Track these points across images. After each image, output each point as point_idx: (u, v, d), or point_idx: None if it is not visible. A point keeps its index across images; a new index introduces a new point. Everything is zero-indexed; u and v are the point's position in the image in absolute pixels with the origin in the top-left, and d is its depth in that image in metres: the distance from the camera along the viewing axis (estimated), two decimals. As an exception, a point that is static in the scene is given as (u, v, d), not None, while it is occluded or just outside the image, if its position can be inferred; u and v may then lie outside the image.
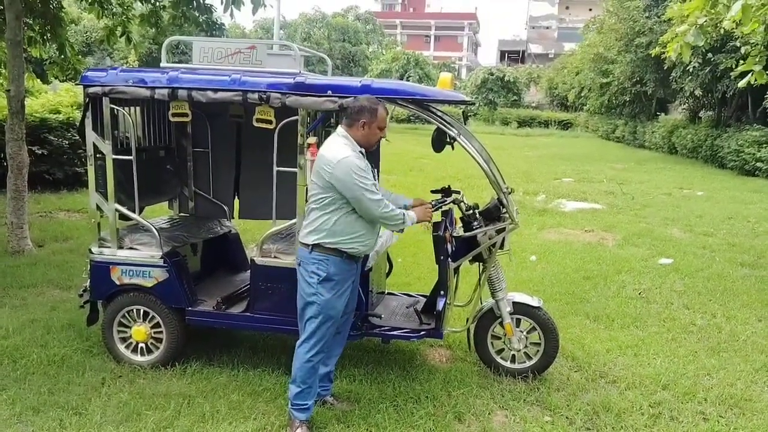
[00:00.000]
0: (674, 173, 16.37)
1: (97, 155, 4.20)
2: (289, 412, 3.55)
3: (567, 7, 62.17)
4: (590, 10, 46.58)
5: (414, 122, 36.38)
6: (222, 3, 7.41)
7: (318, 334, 3.48)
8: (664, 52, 7.89)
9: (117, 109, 4.24)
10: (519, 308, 4.24)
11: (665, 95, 23.64)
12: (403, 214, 3.54)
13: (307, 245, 3.46)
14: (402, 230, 3.65)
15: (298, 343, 3.55)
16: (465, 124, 4.33)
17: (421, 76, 34.97)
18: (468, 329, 4.41)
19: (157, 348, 4.26)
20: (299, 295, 3.53)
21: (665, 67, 19.35)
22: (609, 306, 5.84)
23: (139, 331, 4.21)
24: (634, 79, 23.72)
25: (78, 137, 10.32)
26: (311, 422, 3.57)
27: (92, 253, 4.29)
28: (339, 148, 3.42)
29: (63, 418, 3.56)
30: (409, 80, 30.48)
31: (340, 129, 3.54)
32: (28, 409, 3.65)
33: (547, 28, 63.56)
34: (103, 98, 4.09)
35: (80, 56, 9.09)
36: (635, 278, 6.79)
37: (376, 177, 3.81)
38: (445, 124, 3.94)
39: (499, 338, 4.33)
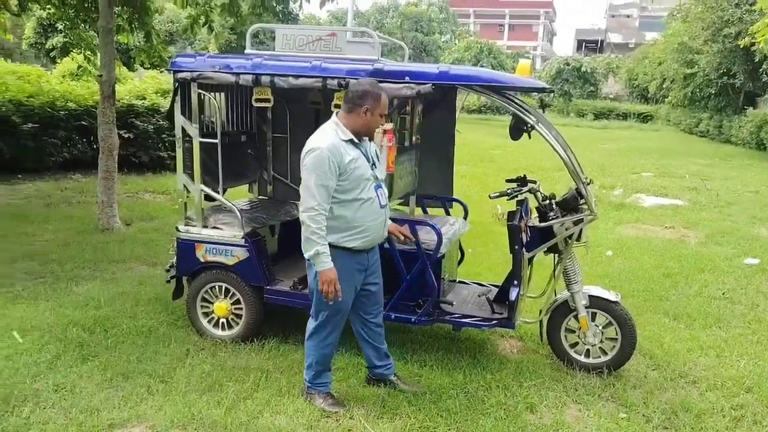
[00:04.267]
0: (762, 170, 15.46)
1: (185, 138, 4.40)
2: (308, 390, 3.64)
3: (650, -5, 59.50)
4: (675, -2, 44.41)
5: (485, 113, 35.84)
6: None
7: (328, 327, 3.53)
8: (754, 43, 7.46)
9: (204, 94, 4.42)
10: (595, 302, 4.15)
11: (754, 88, 22.29)
12: (319, 246, 3.21)
13: None
14: (307, 258, 3.32)
15: (308, 333, 3.59)
16: (543, 112, 4.26)
17: (494, 66, 34.28)
18: (541, 321, 4.36)
19: (237, 323, 4.44)
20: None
21: (755, 60, 18.26)
22: (690, 305, 5.61)
23: (221, 306, 4.40)
24: (721, 71, 22.49)
25: (164, 121, 10.82)
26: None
27: (179, 231, 4.50)
28: (319, 137, 3.28)
29: (150, 385, 3.78)
30: (481, 70, 29.91)
31: (334, 116, 3.39)
32: (119, 375, 3.89)
33: (628, 16, 61.05)
34: (192, 83, 4.27)
35: (164, 45, 9.52)
36: (718, 278, 6.50)
37: (376, 165, 3.49)
38: (523, 111, 3.89)
39: (574, 332, 4.25)
